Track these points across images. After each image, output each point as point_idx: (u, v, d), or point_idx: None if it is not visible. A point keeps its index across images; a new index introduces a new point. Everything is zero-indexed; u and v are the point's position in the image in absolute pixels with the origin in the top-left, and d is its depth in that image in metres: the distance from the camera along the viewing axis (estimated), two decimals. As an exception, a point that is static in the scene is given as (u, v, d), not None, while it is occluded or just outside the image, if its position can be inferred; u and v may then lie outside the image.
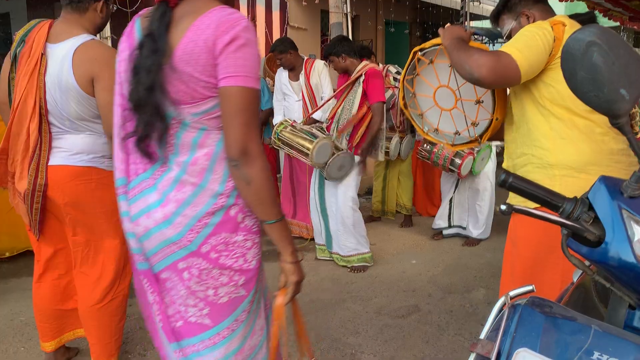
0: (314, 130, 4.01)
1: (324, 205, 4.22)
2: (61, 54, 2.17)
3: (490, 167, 4.75)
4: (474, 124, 2.10)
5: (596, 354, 0.93)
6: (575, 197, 1.08)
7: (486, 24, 13.44)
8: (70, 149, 2.25)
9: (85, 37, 2.21)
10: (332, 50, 4.08)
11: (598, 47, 1.00)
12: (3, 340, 2.98)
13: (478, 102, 2.03)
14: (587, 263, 1.12)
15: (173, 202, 1.37)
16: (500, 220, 4.93)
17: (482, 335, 1.05)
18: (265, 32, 7.95)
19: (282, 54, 4.63)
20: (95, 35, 2.32)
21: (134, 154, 1.42)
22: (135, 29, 1.44)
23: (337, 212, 4.09)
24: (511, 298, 1.13)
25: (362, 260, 4.12)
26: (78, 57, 2.16)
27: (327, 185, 4.15)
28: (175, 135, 1.38)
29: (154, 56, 1.31)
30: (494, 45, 14.03)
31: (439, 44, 2.01)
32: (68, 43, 2.19)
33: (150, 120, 1.34)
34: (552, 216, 1.06)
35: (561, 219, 1.05)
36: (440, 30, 2.00)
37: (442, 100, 2.14)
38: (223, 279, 1.46)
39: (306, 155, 3.86)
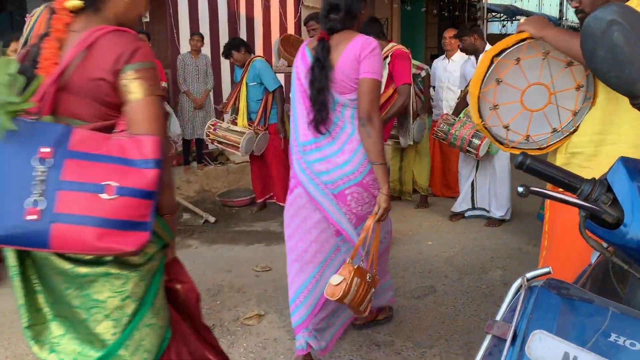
0: None
1: None
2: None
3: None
4: (575, 113, 1.96)
5: (613, 336, 0.92)
6: (593, 179, 1.07)
7: (504, 0, 13.17)
8: None
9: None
10: (363, 32, 4.00)
11: (619, 25, 0.98)
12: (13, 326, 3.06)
13: (578, 87, 1.91)
14: (605, 245, 1.11)
15: (348, 151, 2.30)
16: (518, 202, 4.89)
17: (498, 317, 1.06)
18: (280, 12, 7.89)
19: (319, 24, 4.60)
20: None
21: (311, 128, 2.31)
22: (306, 54, 2.37)
23: None
24: (528, 280, 1.12)
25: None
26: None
27: None
28: (340, 112, 2.31)
29: (322, 71, 2.24)
30: (512, 22, 13.74)
31: (525, 39, 1.88)
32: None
33: (322, 110, 2.27)
34: (570, 198, 1.05)
35: (579, 200, 1.04)
36: (521, 26, 1.89)
37: (531, 101, 1.96)
38: (369, 200, 2.35)
39: None
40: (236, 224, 5.10)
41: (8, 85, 1.28)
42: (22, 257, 1.43)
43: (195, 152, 6.64)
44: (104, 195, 1.29)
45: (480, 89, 1.93)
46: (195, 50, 6.21)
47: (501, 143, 2.05)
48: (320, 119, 2.28)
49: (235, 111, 5.13)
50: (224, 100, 7.17)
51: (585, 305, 1.00)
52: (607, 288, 1.16)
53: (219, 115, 6.45)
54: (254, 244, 4.44)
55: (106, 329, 1.43)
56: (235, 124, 5.02)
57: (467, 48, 4.69)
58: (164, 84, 6.11)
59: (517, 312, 1.01)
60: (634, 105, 1.03)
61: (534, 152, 2.06)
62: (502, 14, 12.77)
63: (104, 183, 1.29)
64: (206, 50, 7.02)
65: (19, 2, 7.84)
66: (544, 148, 2.04)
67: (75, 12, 1.41)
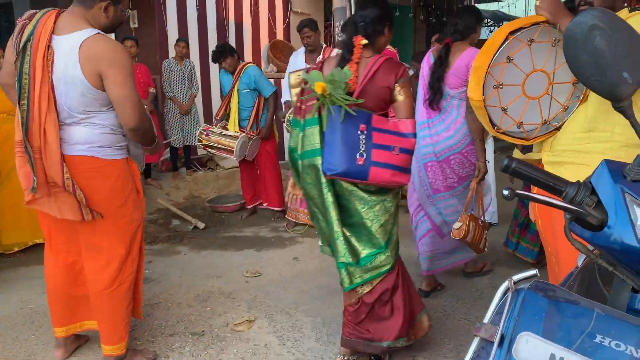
0: None
1: None
2: (67, 47, 2.17)
3: (489, 150, 4.72)
4: (565, 108, 1.96)
5: (599, 337, 0.93)
6: (578, 181, 1.08)
7: (491, 6, 13.30)
8: (68, 140, 2.26)
9: (90, 31, 2.19)
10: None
11: (600, 30, 1.00)
12: (14, 327, 3.03)
13: (574, 83, 1.90)
14: (590, 247, 1.12)
15: (453, 128, 3.13)
16: (505, 205, 4.92)
17: (486, 320, 1.06)
18: (269, 17, 7.90)
19: (313, 32, 4.65)
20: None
21: (428, 108, 3.18)
22: (430, 56, 3.26)
23: None
24: (515, 282, 1.13)
25: None
26: (84, 51, 2.15)
27: None
28: (450, 101, 3.11)
29: (440, 68, 3.09)
30: (499, 27, 13.86)
31: (541, 22, 1.86)
32: (74, 36, 2.18)
33: (436, 94, 3.11)
34: (555, 201, 1.06)
35: (564, 203, 1.05)
36: (539, 9, 1.86)
37: (531, 88, 1.95)
38: (467, 165, 3.20)
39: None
40: (226, 229, 5.08)
41: (344, 89, 2.25)
42: (335, 188, 2.35)
43: (184, 158, 6.61)
44: (393, 152, 2.28)
45: (490, 63, 1.88)
46: (180, 56, 6.19)
47: (493, 126, 2.02)
48: (434, 100, 3.11)
49: (226, 118, 5.12)
50: (214, 106, 7.18)
51: (571, 307, 1.01)
52: (593, 290, 1.17)
53: (209, 121, 6.44)
54: (243, 250, 4.43)
55: (380, 234, 2.38)
56: (227, 130, 5.01)
57: None
58: (152, 89, 6.08)
59: (504, 315, 1.02)
60: (616, 108, 1.04)
61: (519, 142, 2.07)
62: (489, 20, 12.89)
63: (392, 145, 2.28)
64: (195, 55, 7.01)
65: (4, 7, 7.78)
66: (531, 139, 2.04)
67: (364, 45, 2.35)
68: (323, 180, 2.30)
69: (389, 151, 2.26)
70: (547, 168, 2.06)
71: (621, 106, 1.03)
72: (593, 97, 1.92)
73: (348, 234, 2.38)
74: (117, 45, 2.23)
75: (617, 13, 1.97)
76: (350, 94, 2.30)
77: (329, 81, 2.22)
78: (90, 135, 2.28)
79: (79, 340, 2.77)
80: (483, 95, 1.92)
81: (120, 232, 2.43)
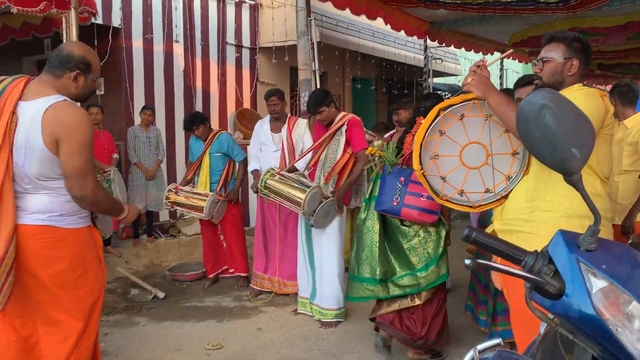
0: (302, 179, 4.06)
1: (312, 255, 4.23)
2: (31, 112, 2.16)
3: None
4: (508, 178, 2.07)
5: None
6: (536, 251, 1.12)
7: (448, 80, 13.99)
8: (27, 209, 2.20)
9: (56, 98, 2.19)
10: (324, 101, 4.15)
11: (549, 109, 1.08)
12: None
13: (514, 154, 2.01)
14: (551, 315, 1.15)
15: None
16: (465, 271, 4.96)
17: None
18: (236, 88, 8.09)
19: (280, 101, 4.76)
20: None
21: None
22: None
23: (323, 262, 4.11)
24: (479, 352, 1.14)
25: (339, 316, 4.11)
26: (47, 118, 2.14)
27: (314, 235, 4.18)
28: None
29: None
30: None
31: (470, 99, 2.01)
32: (39, 102, 2.17)
33: None
34: (515, 270, 1.09)
35: (523, 272, 1.08)
36: (468, 86, 2.01)
37: (469, 158, 2.07)
38: None
39: (297, 204, 3.88)
40: (187, 299, 4.93)
41: (393, 152, 3.25)
42: (383, 221, 3.35)
43: (146, 224, 6.49)
44: (421, 198, 3.08)
45: (424, 137, 2.04)
46: (146, 123, 6.23)
47: (436, 194, 2.15)
48: None
49: (194, 181, 5.16)
50: (178, 171, 7.16)
51: (535, 376, 1.02)
52: (556, 357, 1.18)
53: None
54: (205, 320, 4.29)
55: (415, 261, 3.22)
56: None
57: (401, 121, 4.90)
58: (115, 155, 6.05)
59: (470, 385, 1.02)
60: (567, 181, 1.10)
61: (464, 209, 2.17)
62: (447, 92, 13.52)
63: (421, 193, 3.04)
64: (161, 122, 7.06)
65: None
66: (476, 207, 2.14)
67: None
68: (376, 214, 3.33)
69: (418, 197, 3.10)
70: (500, 236, 2.13)
71: (572, 179, 1.10)
72: (533, 168, 2.05)
73: (391, 256, 3.32)
74: (80, 113, 2.22)
75: (567, 88, 2.13)
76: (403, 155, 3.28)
77: (385, 149, 3.36)
78: (51, 203, 2.23)
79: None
80: (421, 165, 2.10)
81: (79, 304, 2.33)
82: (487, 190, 2.10)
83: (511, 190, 2.10)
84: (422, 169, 2.11)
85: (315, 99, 4.23)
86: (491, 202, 2.13)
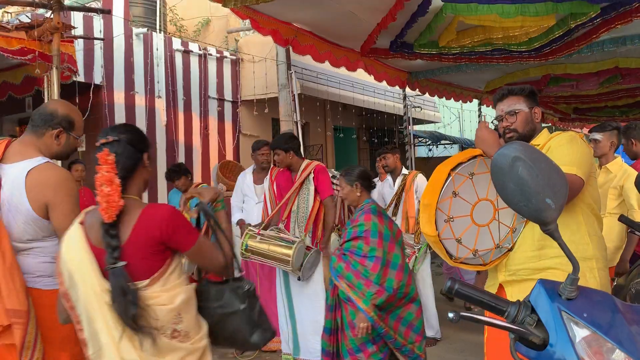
0: (282, 235, 4.00)
1: (292, 308, 4.16)
2: (13, 175, 2.15)
3: (426, 265, 4.81)
4: (513, 230, 2.07)
5: None
6: (518, 301, 1.13)
7: (428, 127, 14.26)
8: None
9: (38, 160, 2.18)
10: (282, 145, 4.12)
11: (522, 161, 1.11)
12: None
13: None
14: (536, 366, 1.14)
15: None
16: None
17: None
18: (218, 140, 8.15)
19: (271, 151, 4.70)
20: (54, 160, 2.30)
21: None
22: None
23: (307, 313, 4.03)
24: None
25: None
26: (30, 180, 2.12)
27: (292, 287, 4.11)
28: None
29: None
30: (437, 146, 14.74)
31: (477, 155, 2.03)
32: (20, 165, 2.16)
33: None
34: (498, 321, 1.09)
35: (506, 323, 1.08)
36: (478, 144, 2.05)
37: (479, 216, 2.04)
38: None
39: (285, 261, 3.77)
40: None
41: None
42: None
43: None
44: None
45: (438, 199, 1.97)
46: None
47: (450, 257, 2.08)
48: None
49: None
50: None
51: None
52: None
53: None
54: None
55: None
56: None
57: (389, 165, 5.01)
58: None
59: None
60: (544, 231, 1.12)
61: (477, 268, 2.14)
62: (427, 139, 13.75)
63: None
64: (143, 177, 7.03)
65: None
66: (487, 264, 2.12)
67: None
68: None
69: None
70: (507, 288, 2.15)
71: (548, 229, 1.11)
72: None
73: None
74: (63, 175, 2.21)
75: (538, 135, 2.19)
76: None
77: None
78: (30, 265, 2.19)
79: None
80: (437, 230, 2.00)
81: None
82: (498, 247, 2.08)
83: (515, 242, 2.11)
84: (438, 233, 2.02)
85: (277, 139, 4.28)
86: (499, 257, 2.12)
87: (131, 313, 1.59)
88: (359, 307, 2.84)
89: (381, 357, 2.98)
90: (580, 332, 1.02)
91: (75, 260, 1.74)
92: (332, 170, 5.33)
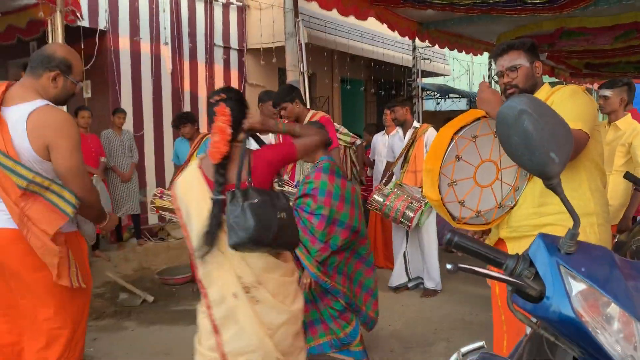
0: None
1: None
2: (14, 117, 2.15)
3: (432, 219, 4.84)
4: (516, 189, 2.08)
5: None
6: (517, 254, 1.13)
7: (437, 80, 14.04)
8: (8, 212, 2.18)
9: (39, 103, 2.18)
10: (286, 97, 3.99)
11: (528, 114, 1.09)
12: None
13: None
14: (533, 318, 1.16)
15: None
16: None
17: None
18: (224, 89, 8.08)
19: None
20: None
21: None
22: None
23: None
24: (463, 354, 1.15)
25: None
26: (32, 122, 2.13)
27: None
28: None
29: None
30: (445, 100, 14.55)
31: (480, 117, 2.00)
32: (22, 107, 2.16)
33: None
34: (496, 273, 1.10)
35: (504, 276, 1.09)
36: (480, 105, 2.02)
37: (482, 177, 2.05)
38: None
39: None
40: (176, 303, 4.91)
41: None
42: None
43: (134, 228, 6.45)
44: None
45: (441, 165, 1.97)
46: (119, 127, 6.20)
47: (453, 219, 2.10)
48: None
49: None
50: (167, 173, 7.12)
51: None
52: (541, 358, 1.19)
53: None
54: (194, 324, 4.27)
55: None
56: None
57: (399, 118, 4.95)
58: (103, 159, 6.00)
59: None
60: (547, 186, 1.11)
61: (480, 227, 2.15)
62: (435, 92, 13.56)
63: None
64: (149, 125, 7.04)
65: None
66: (490, 223, 2.13)
67: None
68: None
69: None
70: (508, 243, 2.18)
71: (551, 183, 1.11)
72: None
73: None
74: (64, 116, 2.22)
75: (539, 89, 2.16)
76: None
77: None
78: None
79: None
80: (440, 194, 2.01)
81: (66, 311, 2.31)
82: (500, 205, 2.09)
83: (518, 200, 2.12)
84: (441, 197, 2.02)
85: (278, 94, 4.13)
86: (502, 215, 2.13)
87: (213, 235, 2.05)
88: (303, 264, 2.87)
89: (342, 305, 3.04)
90: (577, 286, 1.03)
91: (193, 194, 2.14)
92: (336, 124, 5.28)
